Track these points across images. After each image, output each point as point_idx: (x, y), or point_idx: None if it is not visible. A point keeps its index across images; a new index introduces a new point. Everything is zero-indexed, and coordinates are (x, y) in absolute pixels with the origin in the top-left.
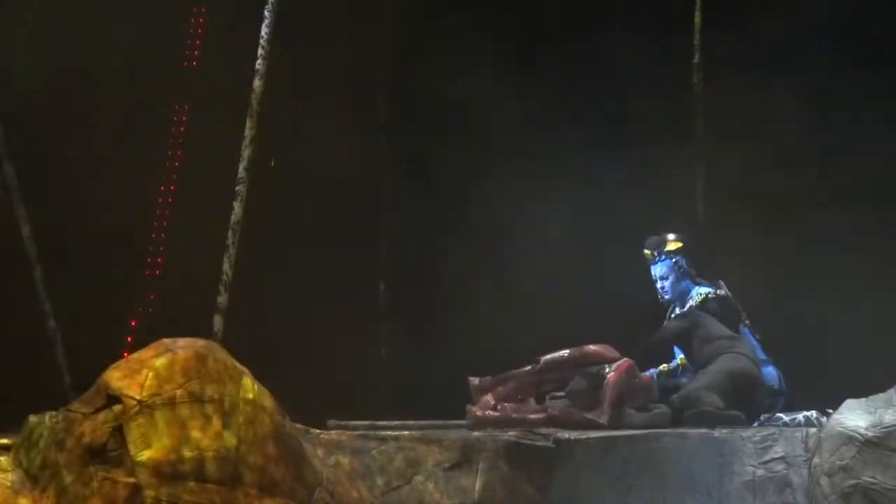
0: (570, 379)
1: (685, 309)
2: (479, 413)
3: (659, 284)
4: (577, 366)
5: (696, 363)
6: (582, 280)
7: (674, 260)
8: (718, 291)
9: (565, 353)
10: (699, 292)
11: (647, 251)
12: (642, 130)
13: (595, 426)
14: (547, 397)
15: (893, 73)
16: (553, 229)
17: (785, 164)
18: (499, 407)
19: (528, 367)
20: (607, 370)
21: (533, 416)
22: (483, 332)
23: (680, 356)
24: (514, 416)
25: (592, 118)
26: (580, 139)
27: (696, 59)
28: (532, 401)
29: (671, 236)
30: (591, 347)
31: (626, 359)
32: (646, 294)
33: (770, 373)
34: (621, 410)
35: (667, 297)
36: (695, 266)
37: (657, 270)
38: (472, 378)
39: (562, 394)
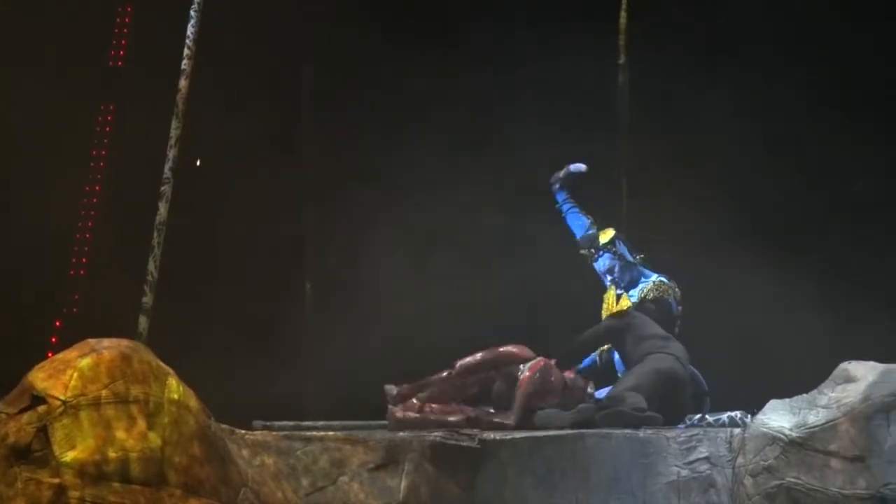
0: (493, 382)
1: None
2: (399, 415)
3: (608, 278)
4: (493, 367)
5: (627, 362)
6: (507, 282)
7: (612, 251)
8: (670, 282)
9: (479, 355)
10: (654, 280)
11: (583, 251)
12: (567, 131)
13: (502, 427)
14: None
15: (822, 71)
16: (477, 231)
17: (712, 164)
18: (420, 409)
19: (445, 374)
20: (521, 370)
21: (452, 418)
22: (408, 333)
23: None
24: (433, 417)
25: (515, 119)
26: (505, 141)
27: (622, 59)
28: (453, 403)
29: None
30: (505, 348)
31: (540, 358)
32: (572, 294)
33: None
34: (532, 410)
35: (622, 286)
36: (634, 249)
37: (600, 266)
38: (388, 386)
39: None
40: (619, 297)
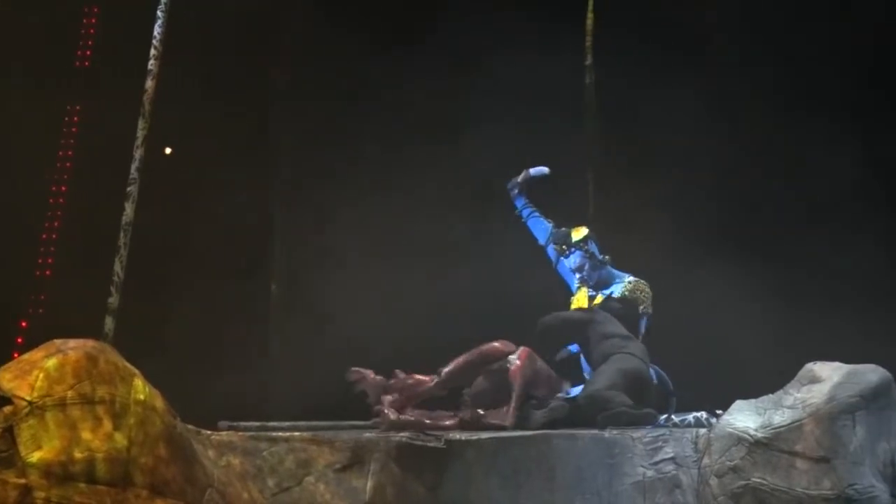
0: (472, 381)
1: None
2: (392, 417)
3: (577, 276)
4: (479, 366)
5: (590, 360)
6: (471, 281)
7: (584, 249)
8: (639, 281)
9: (461, 359)
10: (627, 281)
11: (555, 246)
12: (534, 131)
13: (500, 428)
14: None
15: (786, 71)
16: (443, 230)
17: (677, 166)
18: (411, 412)
19: (432, 384)
20: (509, 362)
21: (447, 423)
22: (373, 333)
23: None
24: (427, 421)
25: (481, 120)
26: (471, 141)
27: (588, 60)
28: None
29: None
30: (487, 346)
31: (523, 347)
32: (534, 294)
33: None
34: (531, 398)
35: (591, 284)
36: (605, 251)
37: (570, 262)
38: (384, 396)
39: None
40: (591, 298)
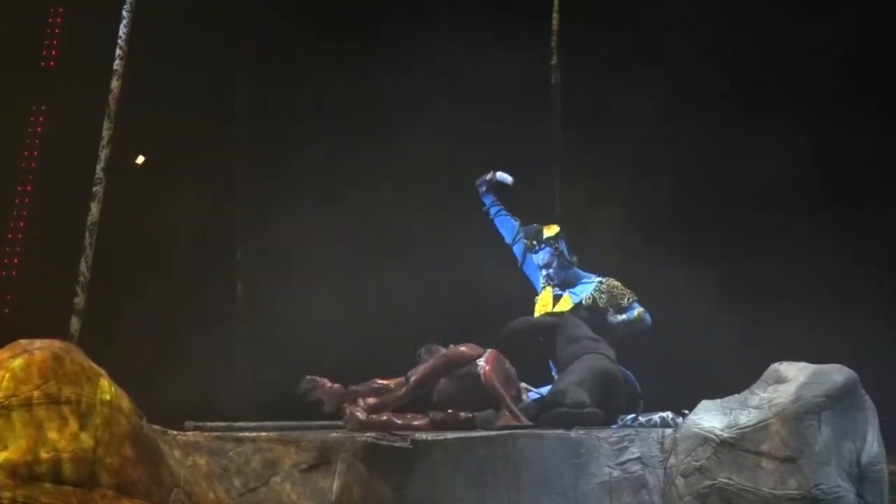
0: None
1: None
2: (362, 417)
3: (543, 272)
4: (447, 371)
5: (558, 363)
6: (442, 284)
7: (554, 246)
8: (609, 280)
9: (430, 364)
10: (598, 281)
11: (525, 241)
12: (500, 132)
13: (521, 427)
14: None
15: (749, 73)
16: (410, 231)
17: (643, 167)
18: (381, 413)
19: (401, 391)
20: (479, 366)
21: (418, 423)
22: (340, 333)
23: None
24: (398, 422)
25: (448, 120)
26: (439, 141)
27: (554, 60)
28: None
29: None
30: (454, 350)
31: (490, 350)
32: (498, 292)
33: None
34: (514, 399)
35: (554, 283)
36: (574, 252)
37: (539, 258)
38: (326, 381)
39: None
40: (557, 297)
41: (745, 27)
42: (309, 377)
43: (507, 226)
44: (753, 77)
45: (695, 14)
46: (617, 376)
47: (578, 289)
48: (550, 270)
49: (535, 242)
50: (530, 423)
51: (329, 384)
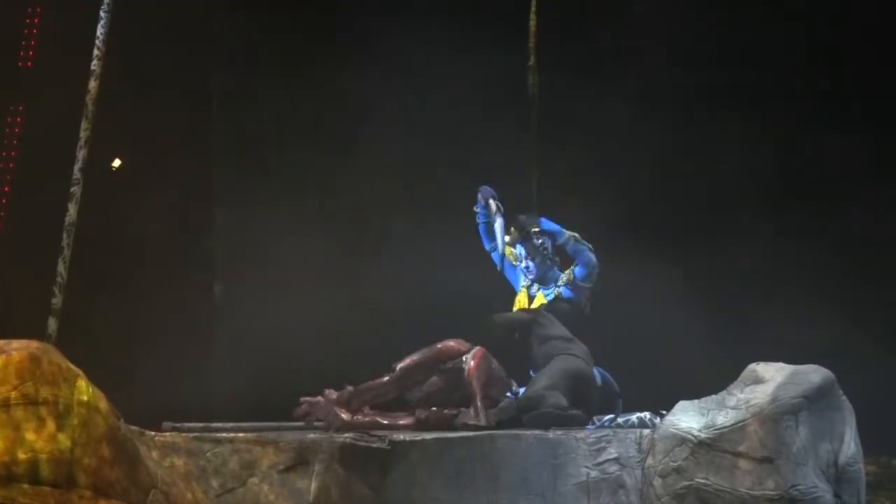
0: (426, 380)
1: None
2: (345, 417)
3: (523, 263)
4: (434, 364)
5: (532, 362)
6: (417, 283)
7: (541, 241)
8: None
9: (417, 355)
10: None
11: (514, 228)
12: (475, 131)
13: (477, 429)
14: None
15: (722, 76)
16: (388, 231)
17: (619, 167)
18: (366, 412)
19: (386, 378)
20: (464, 363)
21: (403, 422)
22: (318, 334)
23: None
24: (383, 421)
25: (425, 120)
26: (414, 141)
27: (532, 61)
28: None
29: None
30: (443, 344)
31: (478, 347)
32: (478, 294)
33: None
34: (492, 400)
35: (531, 276)
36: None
37: (525, 248)
38: (328, 391)
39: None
40: (532, 298)
41: (718, 29)
42: (304, 399)
43: (489, 238)
44: (724, 78)
45: (664, 17)
46: (589, 377)
47: (552, 289)
48: (532, 263)
49: (525, 230)
50: (485, 425)
51: (322, 400)
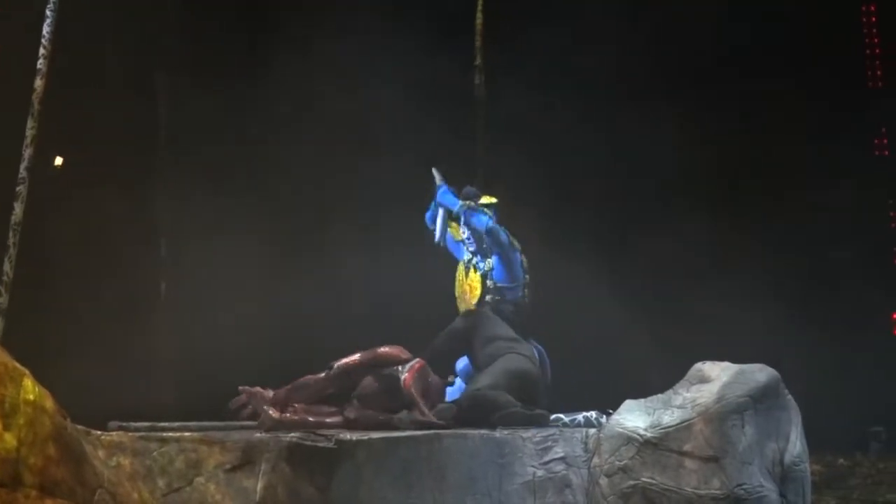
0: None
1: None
2: (275, 415)
3: (465, 234)
4: (371, 368)
5: (476, 363)
6: (368, 284)
7: (489, 215)
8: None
9: (357, 356)
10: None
11: (462, 201)
12: (420, 132)
13: (429, 425)
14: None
15: (667, 72)
16: (333, 232)
17: (564, 167)
18: (295, 409)
19: (322, 374)
20: (401, 371)
21: (330, 420)
22: (264, 333)
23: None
24: (311, 419)
25: (373, 121)
26: (365, 141)
27: (478, 61)
28: (324, 406)
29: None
30: (384, 349)
31: (418, 359)
32: (432, 295)
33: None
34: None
35: (471, 249)
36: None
37: (474, 222)
38: (257, 389)
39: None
40: (467, 269)
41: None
42: (242, 387)
43: (452, 199)
44: (660, 74)
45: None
46: (534, 376)
47: (485, 261)
48: (477, 236)
49: (471, 203)
50: (435, 421)
51: (262, 392)
